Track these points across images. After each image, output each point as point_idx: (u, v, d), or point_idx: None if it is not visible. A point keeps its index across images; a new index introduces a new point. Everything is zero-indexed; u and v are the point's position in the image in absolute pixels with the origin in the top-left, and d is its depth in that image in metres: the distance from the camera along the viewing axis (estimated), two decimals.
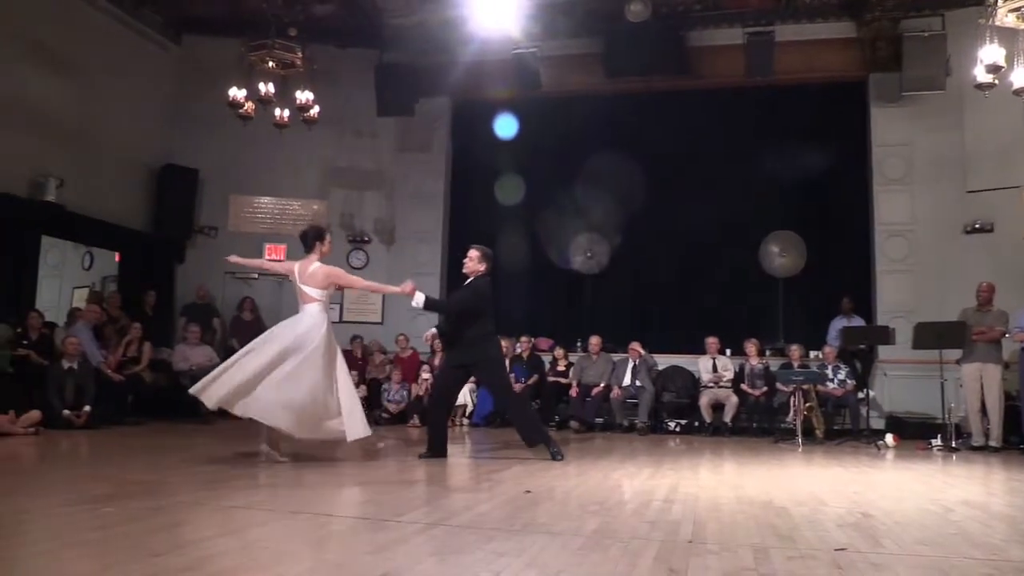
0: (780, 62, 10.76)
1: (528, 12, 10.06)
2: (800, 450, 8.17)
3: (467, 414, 10.37)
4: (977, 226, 10.36)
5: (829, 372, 9.67)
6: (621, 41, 11.02)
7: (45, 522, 3.64)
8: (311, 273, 6.12)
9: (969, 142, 10.53)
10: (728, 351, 10.56)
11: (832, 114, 11.45)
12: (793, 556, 3.15)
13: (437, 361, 10.89)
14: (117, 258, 11.88)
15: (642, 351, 10.36)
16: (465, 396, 9.95)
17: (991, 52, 8.01)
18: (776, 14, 11.03)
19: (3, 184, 9.18)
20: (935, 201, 10.69)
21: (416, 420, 10.25)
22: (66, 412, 8.33)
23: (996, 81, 8.25)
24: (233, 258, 6.55)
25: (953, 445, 8.30)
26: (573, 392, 10.33)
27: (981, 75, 8.25)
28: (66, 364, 8.61)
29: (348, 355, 11.28)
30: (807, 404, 9.07)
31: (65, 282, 12.92)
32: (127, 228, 11.27)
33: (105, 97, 10.78)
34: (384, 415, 10.54)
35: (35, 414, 7.79)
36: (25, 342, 8.85)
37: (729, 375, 10.19)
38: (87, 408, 8.51)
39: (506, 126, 11.91)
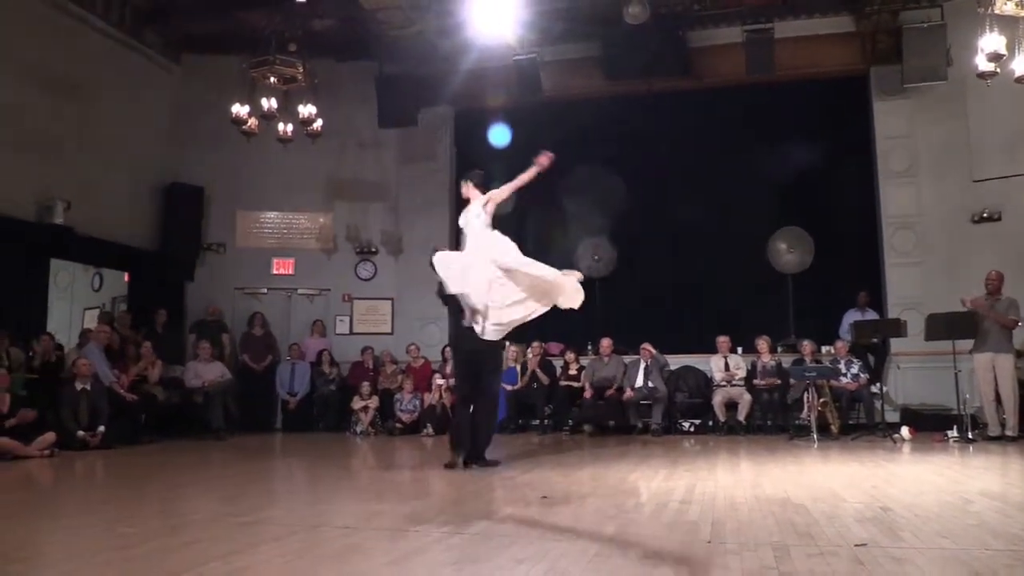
0: (780, 59, 10.75)
1: (526, 18, 10.06)
2: (816, 446, 8.14)
3: None
4: (985, 215, 10.31)
5: (842, 367, 9.62)
6: (620, 44, 11.02)
7: (65, 543, 3.66)
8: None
9: (974, 131, 10.48)
10: (739, 349, 10.52)
11: (835, 109, 11.43)
12: (813, 553, 3.14)
13: (448, 369, 10.91)
14: (126, 278, 11.92)
15: (653, 351, 10.34)
16: None
17: (992, 41, 8.00)
18: (775, 11, 11.00)
19: (11, 208, 9.23)
20: (942, 192, 10.65)
21: (430, 429, 10.24)
22: (80, 433, 8.35)
23: (998, 69, 8.23)
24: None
25: (969, 436, 8.24)
26: (586, 395, 10.30)
27: (983, 64, 8.23)
28: (79, 385, 8.63)
29: (359, 366, 11.40)
30: (821, 400, 9.04)
31: (75, 303, 12.96)
32: (135, 248, 11.31)
33: (110, 119, 10.82)
34: (397, 425, 10.54)
35: (50, 436, 7.82)
36: (37, 365, 8.90)
37: (741, 373, 10.16)
38: (101, 428, 8.53)
39: (500, 135, 11.92)
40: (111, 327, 10.28)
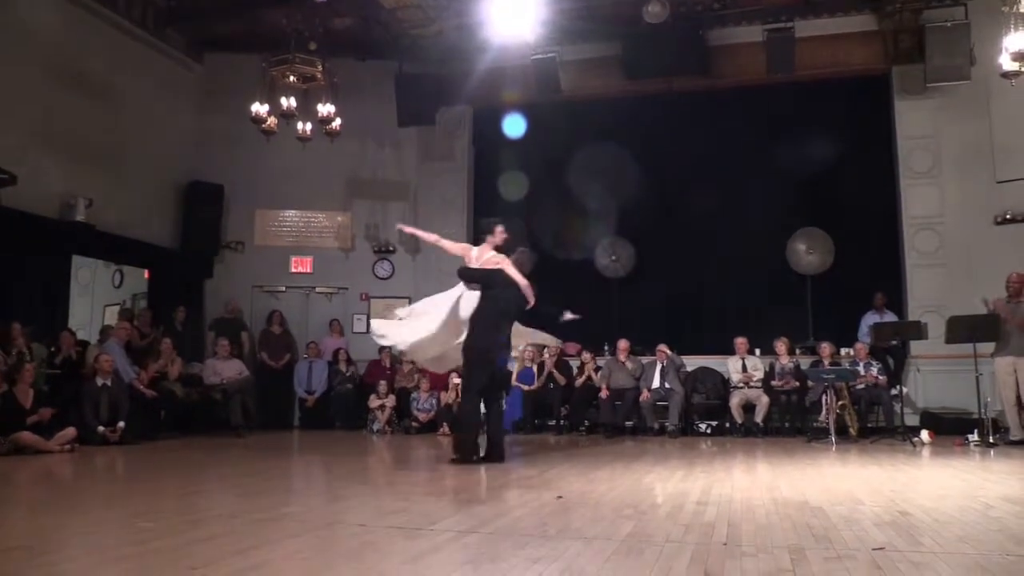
0: (801, 58, 10.69)
1: (545, 17, 10.05)
2: (834, 449, 8.09)
3: None
4: (1008, 216, 10.19)
5: (861, 369, 9.55)
6: (640, 43, 10.99)
7: (84, 538, 3.69)
8: (486, 260, 6.82)
9: (997, 131, 10.37)
10: (757, 351, 10.47)
11: (856, 108, 11.35)
12: (831, 557, 3.11)
13: None
14: (147, 275, 12.03)
15: (669, 352, 10.30)
16: None
17: (1016, 40, 7.93)
18: (796, 10, 10.95)
19: (35, 206, 9.33)
20: (964, 192, 10.54)
21: (446, 428, 10.26)
22: (101, 428, 8.44)
23: (1022, 69, 8.15)
24: (407, 228, 7.74)
25: (990, 440, 8.16)
26: (603, 395, 10.28)
27: (1007, 64, 8.17)
28: (100, 381, 8.72)
29: (376, 365, 11.44)
30: (839, 402, 8.97)
31: (96, 300, 13.08)
32: (156, 245, 11.42)
33: (132, 117, 10.94)
34: (414, 424, 10.57)
35: (70, 431, 7.90)
36: (58, 361, 8.99)
37: (759, 375, 10.11)
38: (121, 424, 8.61)
39: (514, 125, 11.94)
40: (131, 324, 10.38)
